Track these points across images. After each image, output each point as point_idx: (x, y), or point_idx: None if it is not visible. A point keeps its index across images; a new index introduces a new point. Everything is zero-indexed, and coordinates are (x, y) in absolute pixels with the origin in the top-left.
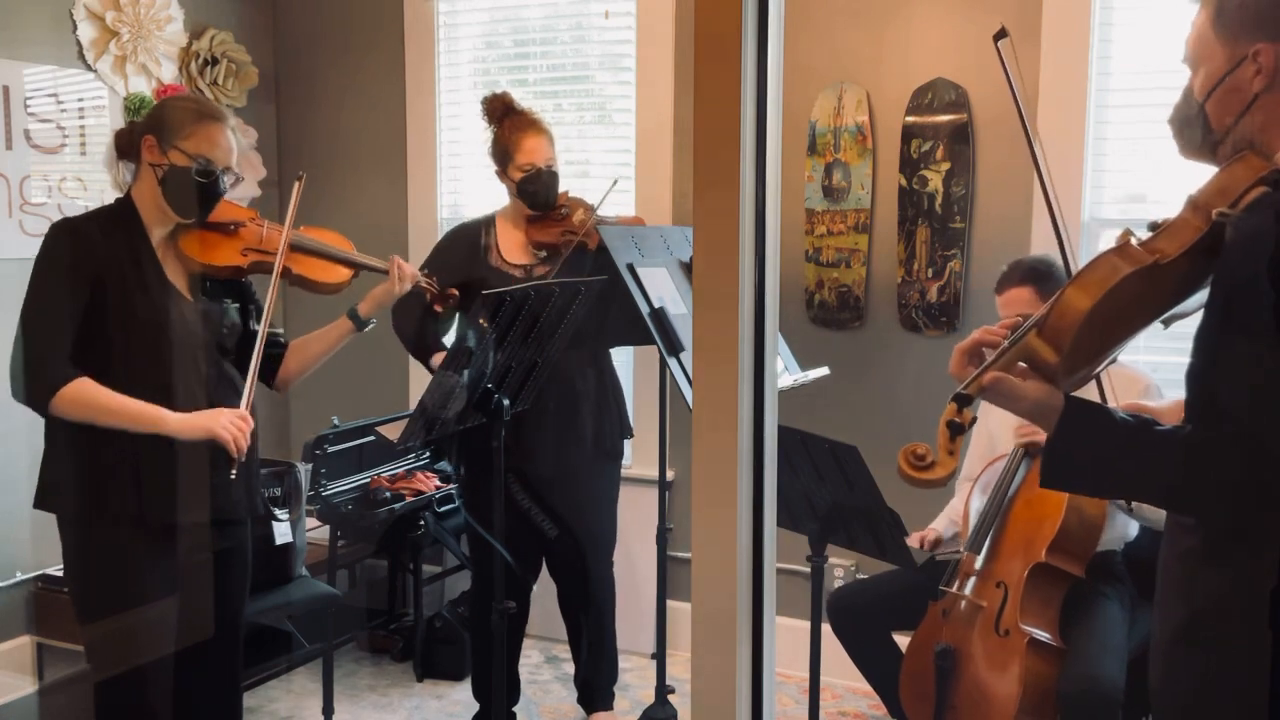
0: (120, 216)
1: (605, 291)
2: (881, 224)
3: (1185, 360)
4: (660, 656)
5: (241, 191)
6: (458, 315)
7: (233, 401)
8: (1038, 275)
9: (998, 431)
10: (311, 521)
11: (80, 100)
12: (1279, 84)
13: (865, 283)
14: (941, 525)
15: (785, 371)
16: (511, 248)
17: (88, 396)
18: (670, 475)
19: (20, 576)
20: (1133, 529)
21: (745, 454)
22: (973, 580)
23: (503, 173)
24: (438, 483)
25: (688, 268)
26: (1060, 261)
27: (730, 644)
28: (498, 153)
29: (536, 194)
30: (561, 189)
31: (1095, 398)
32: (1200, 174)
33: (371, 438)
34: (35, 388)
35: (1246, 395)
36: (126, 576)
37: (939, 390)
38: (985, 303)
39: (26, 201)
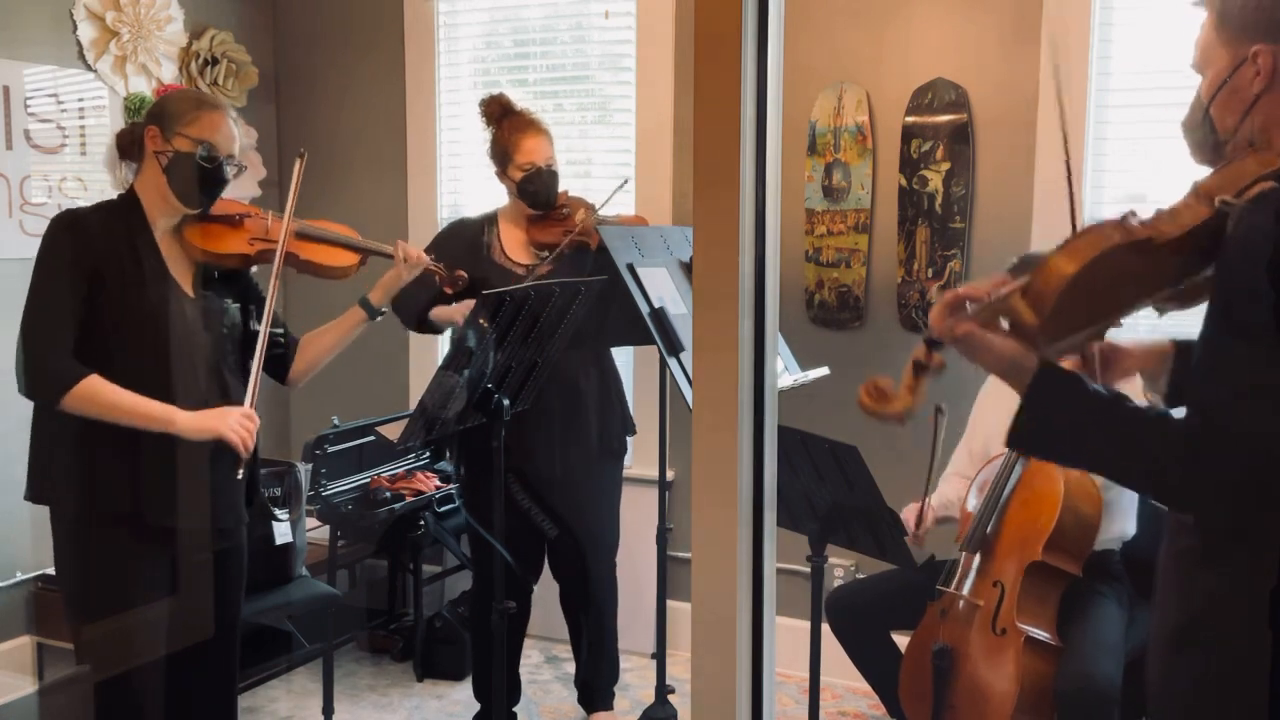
0: (123, 209)
1: (605, 291)
2: (881, 224)
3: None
4: (660, 656)
5: (242, 191)
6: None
7: (233, 401)
8: None
9: (993, 432)
10: (311, 521)
11: (80, 100)
12: (1278, 85)
13: (865, 283)
14: (936, 502)
15: (785, 371)
16: (514, 246)
17: (98, 395)
18: (670, 475)
19: (20, 576)
20: (1130, 528)
21: (745, 454)
22: (970, 579)
23: (502, 173)
24: (438, 483)
25: (688, 268)
26: None
27: (730, 644)
28: (497, 153)
29: (537, 193)
30: (561, 189)
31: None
32: (1203, 175)
33: (371, 438)
34: (44, 386)
35: (1247, 396)
36: (118, 576)
37: (939, 390)
38: None
39: (26, 201)
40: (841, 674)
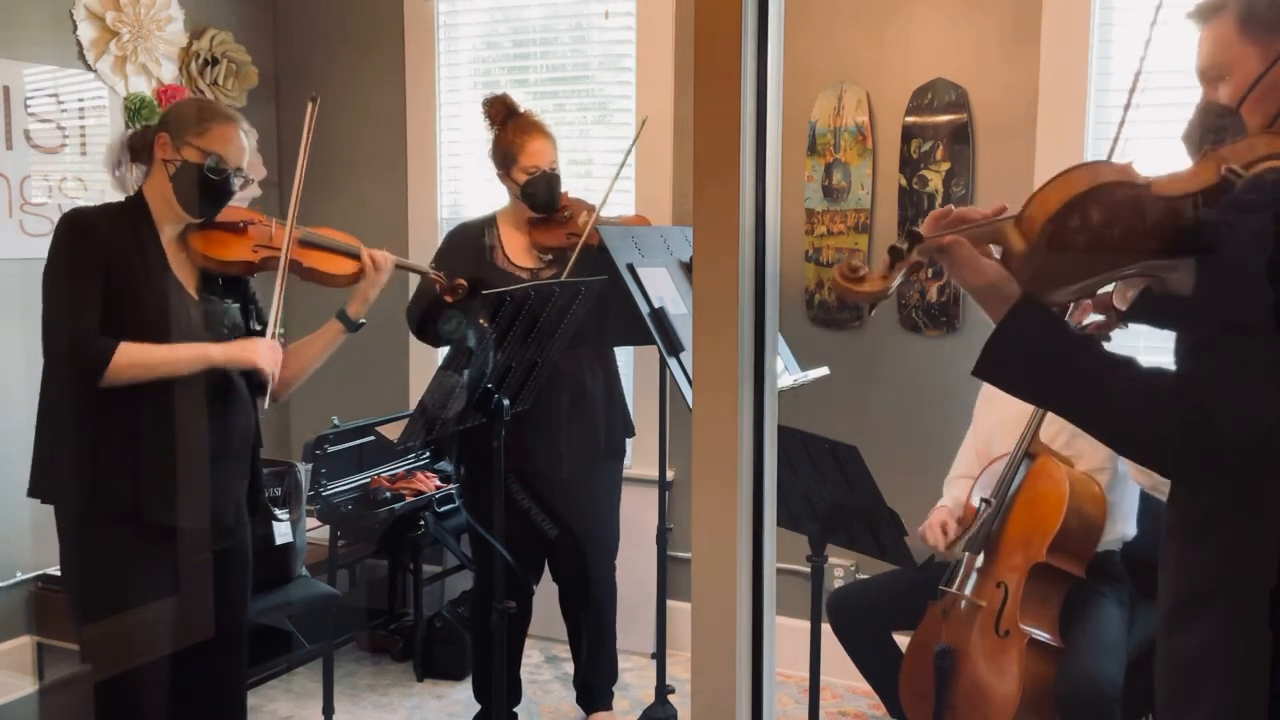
0: (131, 212)
1: (605, 291)
2: (881, 224)
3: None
4: (660, 656)
5: (242, 192)
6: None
7: (235, 403)
8: None
9: (996, 432)
10: (311, 521)
11: (80, 100)
12: None
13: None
14: (949, 501)
15: (785, 371)
16: (516, 250)
17: (136, 358)
18: (670, 475)
19: (20, 576)
20: (1131, 529)
21: (745, 454)
22: (973, 580)
23: (505, 175)
24: (438, 483)
25: (688, 268)
26: None
27: (730, 644)
28: (499, 155)
29: (540, 196)
30: (561, 190)
31: None
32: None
33: (371, 438)
34: (89, 363)
35: (1229, 375)
36: (124, 575)
37: (939, 390)
38: None
39: (27, 201)
40: (841, 674)
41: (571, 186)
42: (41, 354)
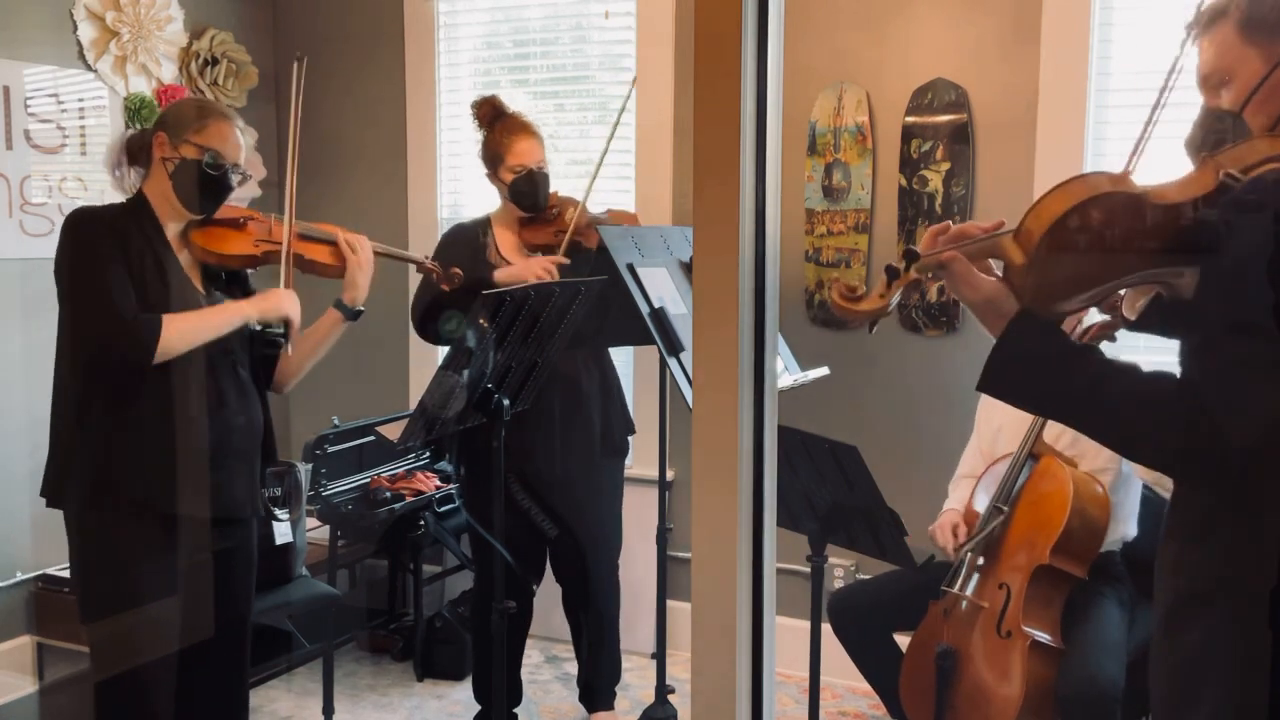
0: (134, 211)
1: (605, 291)
2: (881, 224)
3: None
4: (660, 656)
5: (242, 191)
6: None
7: (243, 401)
8: None
9: (1000, 433)
10: (311, 521)
11: (80, 100)
12: None
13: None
14: (957, 504)
15: (785, 371)
16: (509, 249)
17: (182, 329)
18: (670, 475)
19: (20, 576)
20: (1132, 530)
21: (745, 454)
22: (974, 581)
23: (494, 175)
24: (438, 483)
25: (688, 268)
26: None
27: (730, 644)
28: (488, 156)
29: (527, 195)
30: (551, 189)
31: None
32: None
33: (371, 438)
34: (138, 342)
35: (1236, 377)
36: (135, 572)
37: (939, 390)
38: None
39: (27, 201)
40: (841, 674)
41: (572, 187)
42: (71, 348)
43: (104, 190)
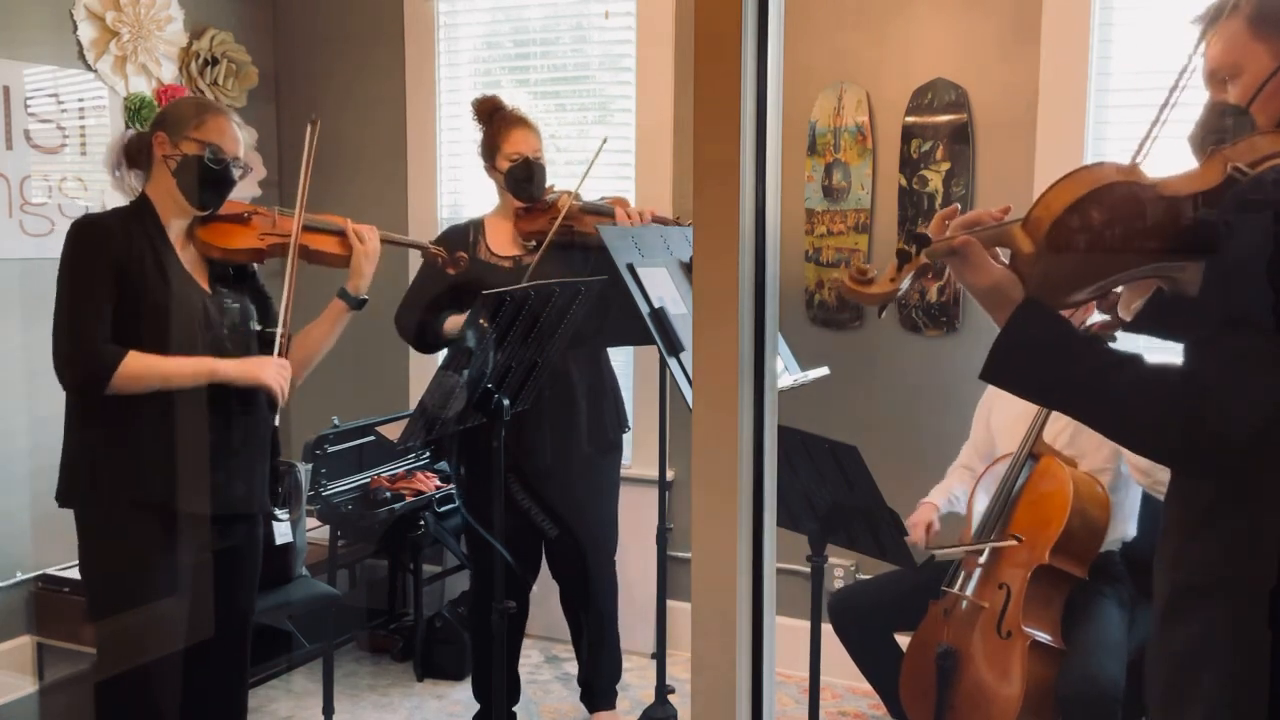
0: (138, 213)
1: (605, 291)
2: (881, 224)
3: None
4: (660, 656)
5: (242, 191)
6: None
7: (249, 396)
8: None
9: (1000, 432)
10: (311, 521)
11: (80, 100)
12: None
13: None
14: (939, 499)
15: (785, 371)
16: (499, 241)
17: (144, 368)
18: (670, 475)
19: (20, 576)
20: (1132, 530)
21: (745, 454)
22: (974, 581)
23: (491, 167)
24: (438, 483)
25: (688, 268)
26: None
27: (730, 644)
28: (486, 148)
29: (522, 182)
30: (549, 183)
31: None
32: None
33: (371, 438)
34: (94, 371)
35: (1240, 372)
36: (145, 571)
37: (939, 390)
38: None
39: (27, 201)
40: (841, 674)
41: (572, 186)
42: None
43: (104, 190)
